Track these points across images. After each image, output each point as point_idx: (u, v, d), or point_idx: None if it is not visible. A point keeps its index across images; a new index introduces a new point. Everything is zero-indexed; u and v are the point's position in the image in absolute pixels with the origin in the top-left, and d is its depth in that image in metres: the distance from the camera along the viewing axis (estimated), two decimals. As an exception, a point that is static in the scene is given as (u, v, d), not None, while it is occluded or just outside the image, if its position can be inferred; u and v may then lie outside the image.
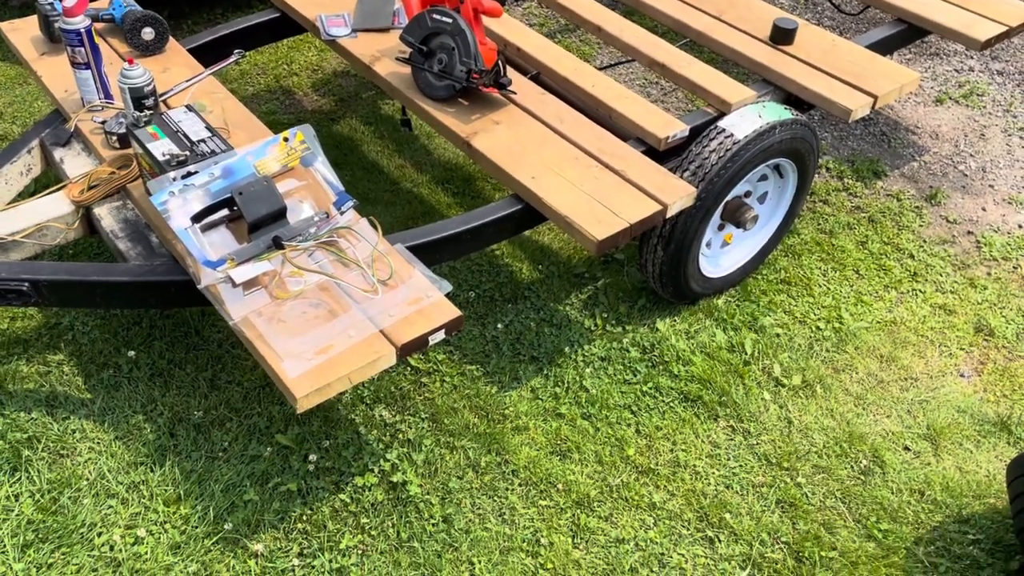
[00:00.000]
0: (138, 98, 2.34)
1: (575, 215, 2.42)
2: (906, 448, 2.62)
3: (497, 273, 3.17)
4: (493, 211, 2.50)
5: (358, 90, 4.14)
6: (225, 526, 2.22)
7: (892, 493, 2.46)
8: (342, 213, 2.26)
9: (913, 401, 2.78)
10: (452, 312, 2.12)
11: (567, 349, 2.85)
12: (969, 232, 3.52)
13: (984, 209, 3.63)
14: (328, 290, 2.12)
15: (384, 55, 3.03)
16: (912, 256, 3.37)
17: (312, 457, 2.40)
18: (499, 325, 2.93)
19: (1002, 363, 2.95)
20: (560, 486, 2.41)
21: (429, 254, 2.38)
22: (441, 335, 2.09)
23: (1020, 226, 3.55)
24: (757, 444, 2.59)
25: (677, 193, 2.52)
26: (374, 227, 2.28)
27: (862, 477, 2.51)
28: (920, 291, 3.22)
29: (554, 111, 2.82)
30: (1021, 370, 2.93)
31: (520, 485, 2.42)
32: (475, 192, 3.54)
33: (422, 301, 2.11)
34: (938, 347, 3.00)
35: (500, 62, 2.75)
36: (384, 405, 2.60)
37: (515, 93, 2.83)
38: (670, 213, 2.51)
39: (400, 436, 2.51)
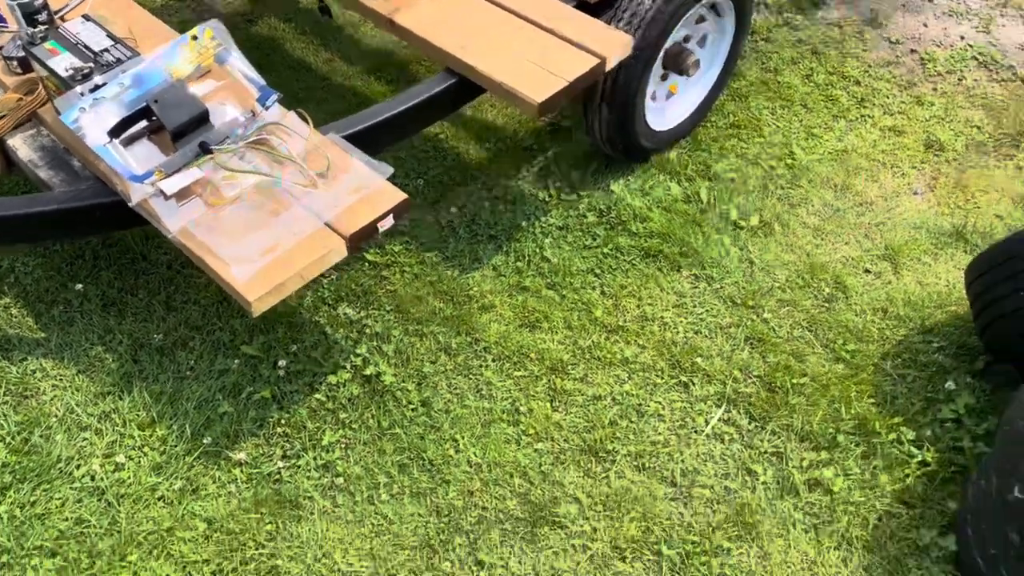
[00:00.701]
0: (29, 14, 2.18)
1: (511, 80, 2.33)
2: (867, 271, 2.66)
3: (444, 157, 3.09)
4: (426, 89, 2.40)
5: (272, -14, 3.91)
6: (204, 440, 2.22)
7: (856, 315, 2.51)
8: (267, 109, 2.15)
9: (870, 225, 2.80)
10: (397, 196, 2.06)
11: (524, 223, 2.81)
12: (912, 51, 3.47)
13: (925, 25, 3.58)
14: (266, 190, 2.04)
15: (289, -61, 2.84)
16: (858, 83, 3.33)
17: (281, 363, 2.38)
18: (452, 209, 2.87)
19: (954, 176, 2.96)
20: (533, 355, 2.43)
21: (366, 143, 2.29)
22: (390, 221, 2.04)
23: (962, 37, 3.50)
24: (721, 288, 2.61)
25: (614, 44, 2.43)
26: (304, 120, 2.18)
27: (826, 304, 2.55)
28: (868, 116, 3.20)
29: (476, -24, 2.67)
30: (972, 180, 2.95)
31: (493, 360, 2.43)
32: (410, 77, 3.41)
33: (364, 189, 2.05)
34: (890, 169, 3.00)
35: (411, -71, 2.58)
36: (347, 303, 2.57)
37: (433, -38, 2.68)
38: (609, 66, 2.43)
39: (367, 331, 2.49)
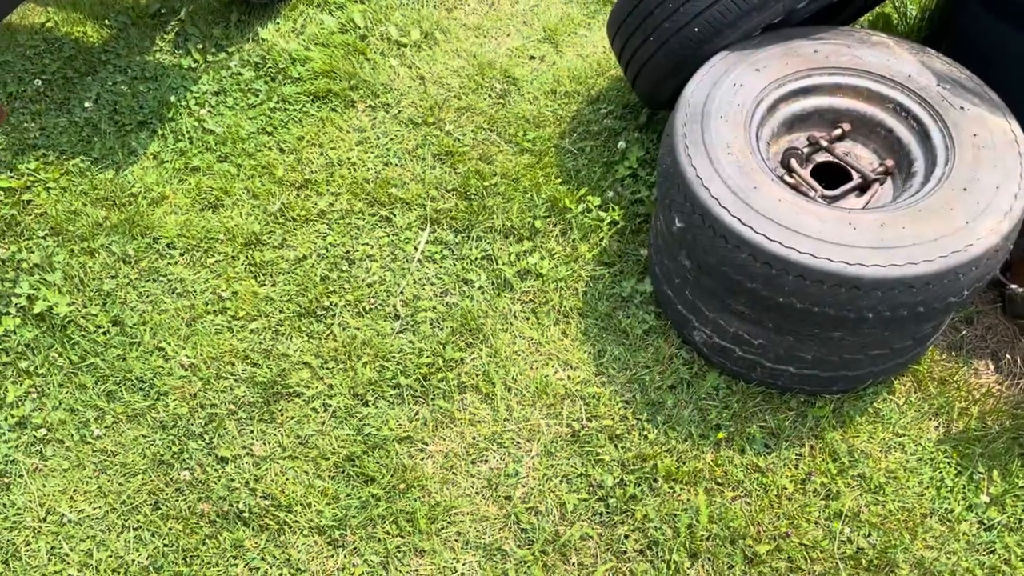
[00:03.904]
0: None
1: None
2: (531, 57, 2.68)
3: (60, 48, 2.66)
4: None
5: None
6: None
7: (530, 103, 2.55)
8: None
9: (526, 11, 2.80)
10: (-19, 103, 1.73)
11: (174, 99, 2.53)
12: None
13: None
14: None
15: None
16: None
17: (-70, 332, 2.04)
18: (87, 104, 2.52)
19: (592, -56, 3.01)
20: (222, 237, 2.26)
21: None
22: (-18, 134, 1.73)
23: None
24: (399, 112, 2.54)
25: None
26: None
27: (501, 101, 2.56)
28: (504, -99, 3.12)
29: None
30: (609, -55, 3.01)
31: (181, 254, 2.23)
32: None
33: (-67, 104, 1.70)
34: (534, -49, 2.99)
35: None
36: (-9, 242, 2.23)
37: None
38: None
39: (24, 265, 2.18)
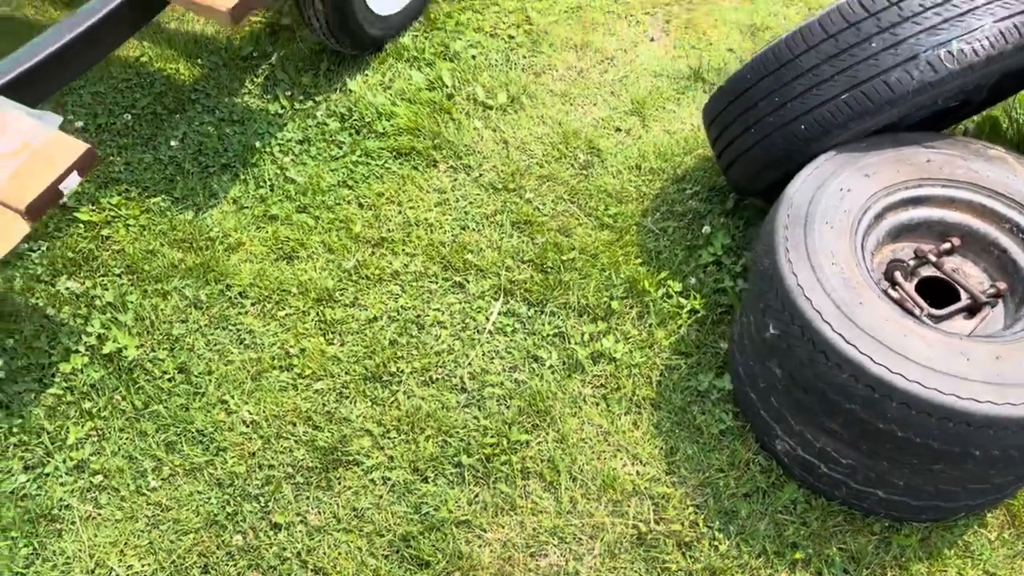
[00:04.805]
0: None
1: (192, -14, 2.01)
2: (617, 129, 2.64)
3: (152, 84, 2.70)
4: (95, 9, 2.02)
5: None
6: (-80, 477, 1.88)
7: (613, 177, 2.50)
8: None
9: (614, 81, 2.77)
10: (76, 147, 1.74)
11: (259, 144, 2.53)
12: None
13: None
14: (-97, 172, 1.66)
15: None
16: (583, -67, 3.22)
17: None
18: (173, 142, 2.53)
19: (684, 16, 2.97)
20: (295, 290, 2.23)
21: (34, 86, 1.92)
22: (75, 178, 1.73)
23: None
24: (480, 176, 2.50)
25: (304, -74, 2.14)
26: (-64, 74, 1.77)
27: (584, 172, 2.51)
28: (598, -33, 3.11)
29: None
30: (701, 18, 2.97)
31: (253, 304, 2.21)
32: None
33: (31, 146, 1.71)
34: (625, 19, 2.96)
35: None
36: (67, 275, 2.23)
37: None
38: (304, -47, 2.15)
39: (98, 303, 2.18)
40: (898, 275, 1.73)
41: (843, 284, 1.60)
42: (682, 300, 2.19)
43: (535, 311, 2.21)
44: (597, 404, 2.04)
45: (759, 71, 1.90)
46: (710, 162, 2.52)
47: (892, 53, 1.72)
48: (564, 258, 2.30)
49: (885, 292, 1.69)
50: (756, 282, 1.77)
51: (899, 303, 1.68)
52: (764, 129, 1.92)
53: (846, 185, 1.75)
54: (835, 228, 1.69)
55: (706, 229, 2.32)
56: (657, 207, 2.42)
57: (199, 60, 2.77)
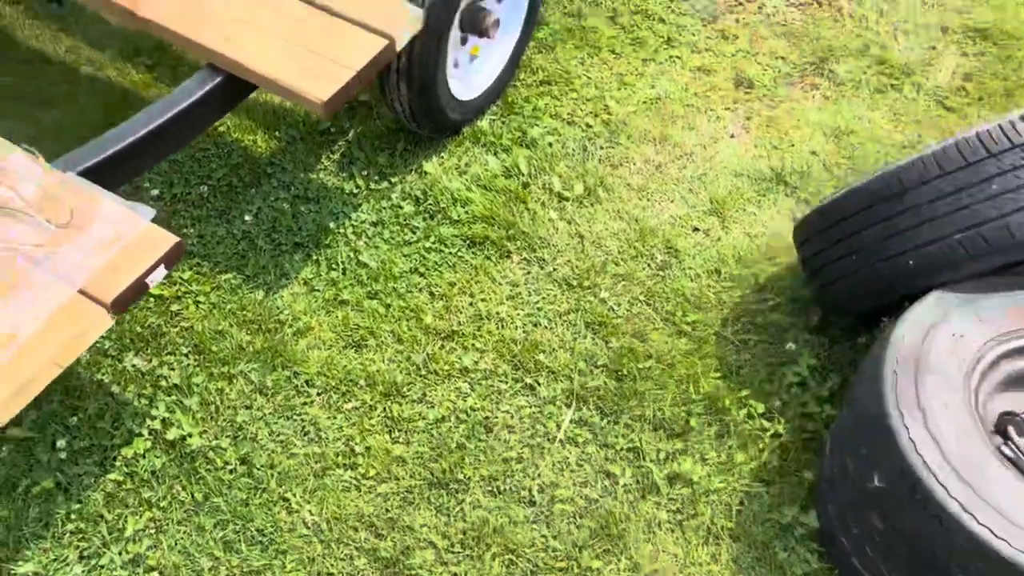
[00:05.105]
0: None
1: (289, 76, 2.00)
2: (695, 229, 2.57)
3: (229, 155, 2.69)
4: (186, 94, 2.02)
5: (-16, -41, 3.24)
6: (-25, 563, 1.84)
7: (691, 280, 2.43)
8: (-22, 151, 1.72)
9: (692, 178, 2.71)
10: (167, 240, 1.71)
11: (333, 224, 2.50)
12: (711, -20, 3.37)
13: (721, -48, 3.48)
14: (-8, 257, 1.64)
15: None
16: (663, 20, 3.20)
17: (61, 442, 2.00)
18: (247, 217, 2.52)
19: (766, 113, 2.92)
20: (362, 382, 2.18)
21: (121, 170, 1.91)
22: (162, 271, 1.70)
23: (757, -37, 3.44)
24: (554, 270, 2.45)
25: (401, 20, 2.13)
26: (34, 157, 1.76)
27: (660, 273, 2.45)
28: (677, 57, 3.09)
29: (229, -56, 2.26)
30: (782, 116, 2.92)
31: (319, 394, 2.16)
32: (174, 60, 2.94)
33: (123, 237, 1.68)
34: (705, 113, 2.92)
35: None
36: (134, 351, 2.19)
37: (173, -69, 2.24)
38: (399, 46, 2.13)
39: (163, 383, 2.14)
40: (1011, 430, 1.63)
41: (958, 440, 1.51)
42: (765, 423, 2.09)
43: (608, 421, 2.13)
44: (673, 531, 1.94)
45: (865, 199, 1.83)
46: (792, 271, 2.44)
47: (1013, 197, 1.64)
48: (640, 366, 2.22)
49: (999, 449, 1.59)
50: (856, 426, 1.68)
51: (1014, 463, 1.58)
52: (867, 259, 1.85)
53: (958, 331, 1.66)
54: (948, 378, 1.60)
55: (790, 346, 2.23)
56: (737, 317, 2.34)
57: (277, 132, 2.76)
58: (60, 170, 1.80)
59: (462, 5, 2.43)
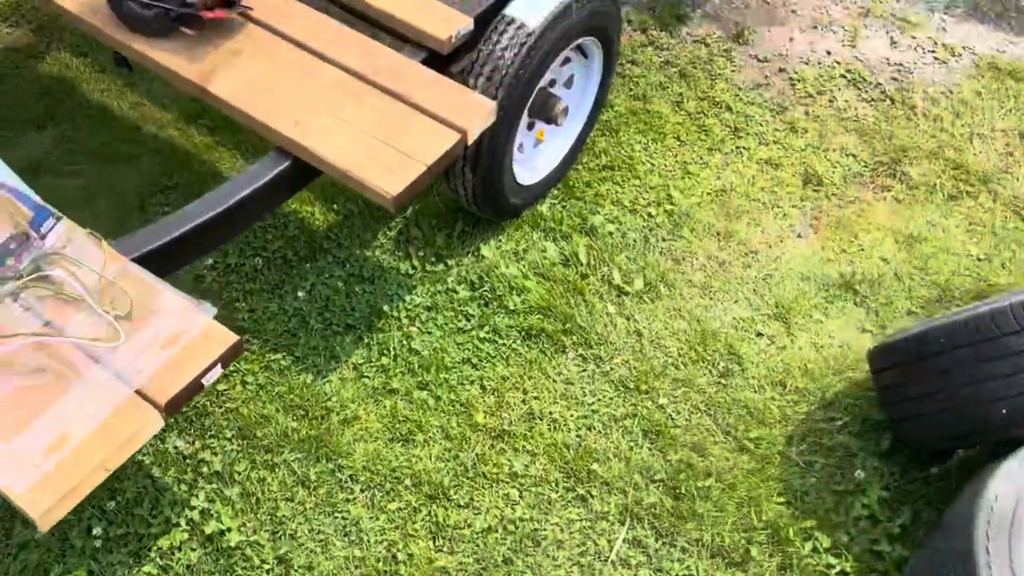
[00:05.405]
0: None
1: (358, 167, 1.95)
2: (759, 334, 2.48)
3: (285, 226, 2.65)
4: (251, 180, 1.98)
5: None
6: (0, 658, 1.77)
7: (755, 391, 2.33)
8: (43, 236, 1.68)
9: (757, 279, 2.62)
10: (227, 338, 1.66)
11: (386, 307, 2.45)
12: (781, 69, 3.31)
13: (791, 39, 3.43)
14: (47, 347, 1.59)
15: (64, -20, 2.29)
16: (730, 109, 3.14)
17: (97, 529, 1.94)
18: (300, 293, 2.47)
19: (835, 213, 2.83)
20: (408, 481, 2.10)
21: (180, 255, 1.87)
22: (217, 371, 1.64)
23: (828, 52, 3.38)
24: (611, 370, 2.36)
25: (475, 112, 2.09)
26: (97, 243, 1.73)
27: (722, 380, 2.35)
28: (744, 148, 3.02)
29: (306, 24, 2.25)
30: (851, 217, 2.83)
31: (362, 491, 2.08)
32: (236, 125, 2.92)
33: (183, 336, 1.63)
34: (771, 209, 2.84)
35: (219, -26, 2.12)
36: (176, 432, 2.14)
37: (251, 9, 2.23)
38: (471, 139, 2.09)
39: (205, 469, 2.07)
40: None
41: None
42: (831, 559, 1.97)
43: (663, 544, 2.02)
44: (729, 674, 1.82)
45: (955, 338, 1.73)
46: (862, 388, 2.33)
47: (1123, 354, 1.53)
48: (699, 484, 2.12)
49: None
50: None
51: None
52: (954, 399, 1.74)
53: (1059, 495, 1.55)
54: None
55: (859, 474, 2.12)
56: (804, 436, 2.23)
57: (335, 205, 2.73)
58: (121, 252, 1.76)
59: (534, 93, 2.38)
